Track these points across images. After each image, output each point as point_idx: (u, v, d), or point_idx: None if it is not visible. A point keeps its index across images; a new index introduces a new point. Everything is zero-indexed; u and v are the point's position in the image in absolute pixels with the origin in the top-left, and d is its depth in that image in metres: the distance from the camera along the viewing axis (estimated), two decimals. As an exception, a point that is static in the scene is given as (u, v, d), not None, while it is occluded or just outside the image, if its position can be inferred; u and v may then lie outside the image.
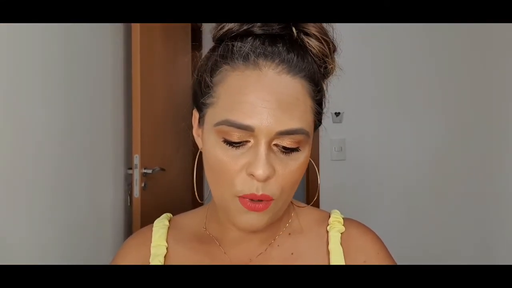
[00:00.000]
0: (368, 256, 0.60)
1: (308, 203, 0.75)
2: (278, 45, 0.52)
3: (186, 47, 2.30)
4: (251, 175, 0.50)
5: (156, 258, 0.62)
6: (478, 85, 2.28)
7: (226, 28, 0.54)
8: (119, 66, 1.71)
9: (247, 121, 0.49)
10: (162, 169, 1.77)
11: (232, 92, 0.51)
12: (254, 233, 0.60)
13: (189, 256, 0.62)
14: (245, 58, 0.51)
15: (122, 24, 1.72)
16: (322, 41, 0.54)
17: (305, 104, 0.52)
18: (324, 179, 2.28)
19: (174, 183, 2.01)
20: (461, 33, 2.26)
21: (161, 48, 1.90)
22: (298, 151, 0.52)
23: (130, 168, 1.68)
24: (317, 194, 0.77)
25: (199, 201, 0.63)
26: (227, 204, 0.54)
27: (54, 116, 1.24)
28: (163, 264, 0.62)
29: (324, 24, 0.56)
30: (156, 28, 1.83)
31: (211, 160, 0.53)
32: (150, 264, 0.62)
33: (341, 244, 0.60)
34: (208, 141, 0.53)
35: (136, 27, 1.62)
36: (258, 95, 0.50)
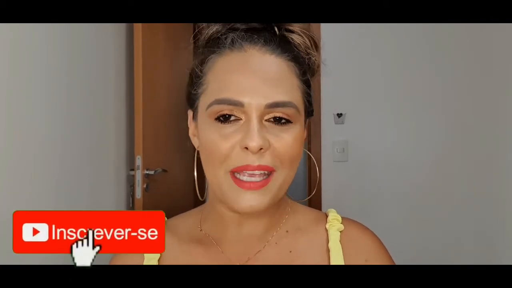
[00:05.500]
0: (368, 255, 0.59)
1: (309, 203, 0.75)
2: (263, 33, 0.55)
3: (188, 47, 2.29)
4: (245, 148, 0.51)
5: (150, 261, 0.61)
6: (479, 86, 2.27)
7: (214, 29, 0.57)
8: (121, 67, 1.71)
9: (236, 98, 0.51)
10: (164, 170, 1.77)
11: (220, 75, 0.54)
12: (251, 230, 0.60)
13: (184, 257, 0.61)
14: (231, 44, 0.55)
15: (124, 24, 1.73)
16: (304, 35, 0.57)
17: (292, 82, 0.54)
18: (326, 180, 2.28)
19: (176, 185, 2.01)
20: (461, 33, 2.25)
21: (163, 49, 1.90)
22: (290, 122, 0.53)
23: (132, 169, 1.68)
24: (314, 191, 0.77)
25: (200, 199, 0.63)
26: (221, 183, 0.53)
27: (56, 116, 1.24)
28: None
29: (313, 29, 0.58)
30: (158, 28, 1.83)
31: (205, 143, 0.54)
32: None
33: (340, 242, 0.60)
34: (202, 127, 0.55)
35: (138, 27, 1.63)
36: (245, 74, 0.53)
